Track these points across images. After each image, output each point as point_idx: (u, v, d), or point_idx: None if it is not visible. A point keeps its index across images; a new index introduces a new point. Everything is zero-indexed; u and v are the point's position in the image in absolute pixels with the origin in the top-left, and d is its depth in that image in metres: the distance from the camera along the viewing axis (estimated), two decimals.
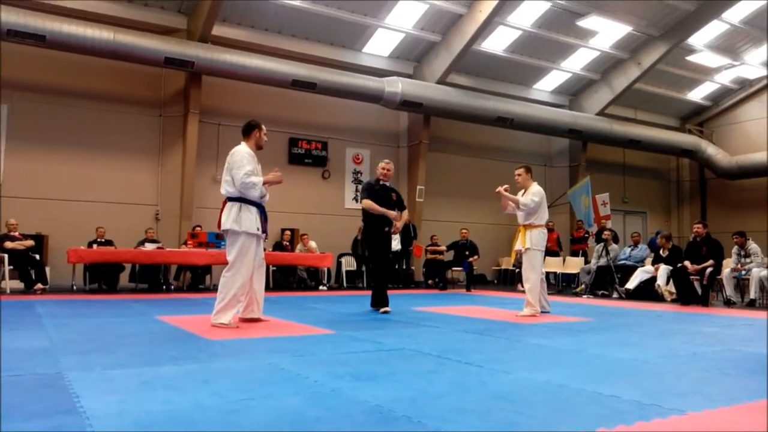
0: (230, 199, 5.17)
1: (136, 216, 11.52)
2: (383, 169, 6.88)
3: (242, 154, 5.14)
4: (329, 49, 13.16)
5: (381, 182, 6.85)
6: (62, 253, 9.71)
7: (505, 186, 6.81)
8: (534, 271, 6.59)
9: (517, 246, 6.85)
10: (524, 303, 6.62)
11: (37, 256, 9.66)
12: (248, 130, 5.33)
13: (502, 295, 10.55)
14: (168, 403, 2.50)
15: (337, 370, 3.24)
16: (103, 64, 11.15)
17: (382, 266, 6.84)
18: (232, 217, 5.08)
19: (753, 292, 8.70)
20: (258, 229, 5.17)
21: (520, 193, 6.81)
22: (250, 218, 5.13)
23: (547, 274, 12.82)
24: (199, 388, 2.77)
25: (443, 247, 12.65)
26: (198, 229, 11.04)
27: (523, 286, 6.84)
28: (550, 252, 13.21)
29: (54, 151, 11.01)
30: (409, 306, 7.71)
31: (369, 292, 7.02)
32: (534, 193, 6.66)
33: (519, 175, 6.88)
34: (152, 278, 10.47)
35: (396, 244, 12.60)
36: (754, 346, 4.46)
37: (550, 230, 13.76)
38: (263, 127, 5.39)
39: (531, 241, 6.61)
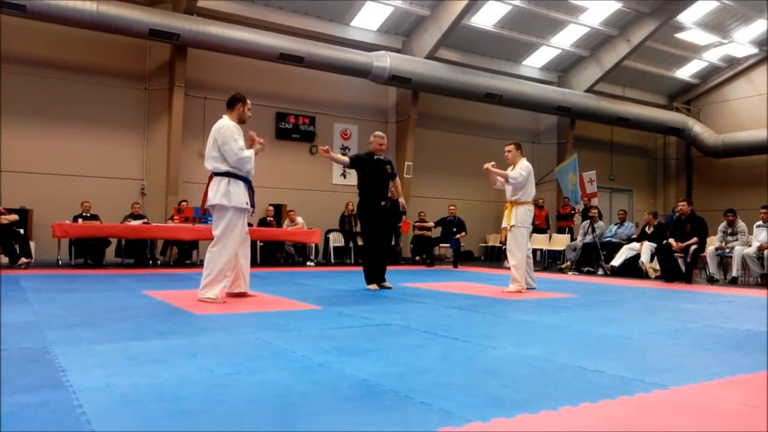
0: (217, 173, 5.12)
1: (122, 190, 11.41)
2: (379, 144, 6.61)
3: (230, 128, 5.08)
4: (317, 22, 12.98)
5: (375, 156, 6.62)
6: (47, 228, 9.62)
7: (492, 163, 6.82)
8: (519, 248, 6.64)
9: (504, 223, 6.89)
10: (510, 279, 6.67)
11: (22, 231, 9.56)
12: (232, 103, 5.26)
13: (488, 271, 10.62)
14: (155, 377, 2.50)
15: (325, 345, 3.25)
16: (87, 36, 10.93)
17: (374, 241, 6.67)
18: (221, 192, 5.05)
19: (735, 270, 8.82)
20: (247, 204, 5.16)
21: (509, 169, 6.83)
22: (239, 192, 5.11)
23: (534, 250, 12.95)
24: (187, 363, 2.77)
25: (431, 224, 12.67)
26: (184, 204, 10.96)
27: (508, 263, 6.89)
28: (538, 229, 13.32)
29: (38, 125, 10.83)
30: (397, 282, 7.74)
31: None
32: (522, 167, 6.68)
33: (509, 151, 6.89)
34: (138, 253, 10.43)
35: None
36: (736, 323, 4.53)
37: (540, 207, 13.87)
38: (248, 101, 5.33)
39: (516, 218, 6.66)
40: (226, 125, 5.10)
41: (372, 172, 6.59)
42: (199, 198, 12.51)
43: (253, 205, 5.28)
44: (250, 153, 5.12)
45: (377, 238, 6.66)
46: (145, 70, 11.87)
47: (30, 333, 3.48)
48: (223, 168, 5.09)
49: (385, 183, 6.63)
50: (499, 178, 6.79)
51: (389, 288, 6.64)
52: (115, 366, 2.69)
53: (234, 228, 5.08)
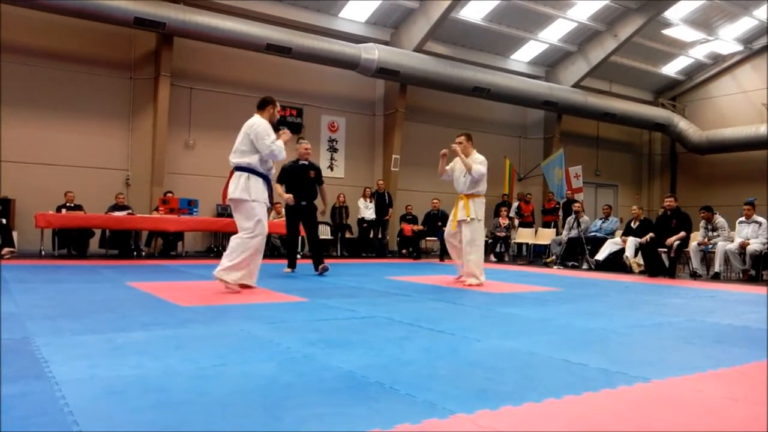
0: (238, 168, 5.35)
1: (106, 181, 11.29)
2: (305, 149, 7.51)
3: (263, 125, 5.39)
4: (305, 12, 12.91)
5: (300, 161, 7.43)
6: (30, 218, 9.51)
7: (444, 150, 6.77)
8: (478, 241, 6.65)
9: (461, 215, 6.70)
10: (468, 273, 6.62)
11: (4, 221, 9.44)
12: (263, 105, 5.58)
13: None
14: (139, 368, 2.49)
15: (310, 337, 3.25)
16: (71, 24, 10.79)
17: (294, 234, 7.79)
18: (241, 187, 5.29)
19: (718, 266, 8.91)
20: (266, 200, 5.42)
21: (457, 160, 6.84)
22: (259, 188, 5.36)
23: (519, 244, 13.06)
24: (171, 354, 2.76)
25: (421, 227, 12.50)
26: (169, 195, 10.86)
27: (460, 257, 6.87)
28: (525, 223, 13.39)
29: (21, 114, 10.67)
30: (383, 275, 7.77)
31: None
32: (481, 161, 6.66)
33: (460, 142, 6.71)
34: (123, 244, 10.34)
35: (371, 213, 12.65)
36: (718, 317, 4.58)
37: (526, 202, 13.92)
38: (277, 103, 5.65)
39: (475, 212, 6.62)
40: (258, 122, 5.40)
41: (294, 175, 7.39)
42: (184, 189, 12.42)
43: (271, 201, 5.57)
44: (280, 143, 5.43)
45: (295, 232, 7.69)
46: (131, 60, 11.73)
47: (12, 324, 3.44)
48: (246, 163, 5.31)
49: (305, 184, 7.38)
50: (446, 169, 6.89)
51: (321, 276, 7.22)
52: (98, 357, 2.66)
53: (262, 220, 5.31)
